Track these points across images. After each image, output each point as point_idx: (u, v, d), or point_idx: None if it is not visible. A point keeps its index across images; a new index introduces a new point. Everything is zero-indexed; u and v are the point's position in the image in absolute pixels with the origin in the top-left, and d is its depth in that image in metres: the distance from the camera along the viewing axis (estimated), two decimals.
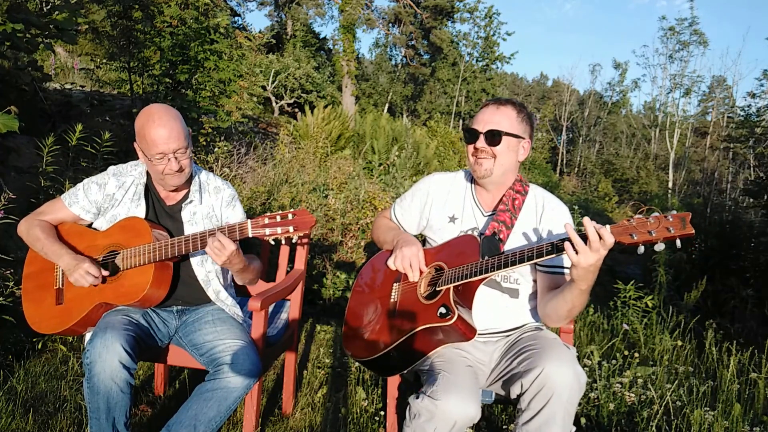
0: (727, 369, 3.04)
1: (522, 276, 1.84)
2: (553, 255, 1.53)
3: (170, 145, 1.83)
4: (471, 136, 1.81)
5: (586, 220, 1.47)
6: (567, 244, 1.48)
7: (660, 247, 1.41)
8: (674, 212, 1.40)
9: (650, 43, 46.30)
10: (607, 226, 1.46)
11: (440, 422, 1.51)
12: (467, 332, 1.67)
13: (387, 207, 2.18)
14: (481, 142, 1.79)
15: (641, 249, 1.43)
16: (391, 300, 1.83)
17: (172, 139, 1.83)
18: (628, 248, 1.44)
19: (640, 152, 27.68)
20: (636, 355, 3.21)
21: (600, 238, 1.44)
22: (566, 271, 1.77)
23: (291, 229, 1.74)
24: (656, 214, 1.41)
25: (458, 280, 1.67)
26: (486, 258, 1.66)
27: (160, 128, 1.81)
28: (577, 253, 1.46)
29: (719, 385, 2.93)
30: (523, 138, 1.83)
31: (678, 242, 1.40)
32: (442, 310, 1.65)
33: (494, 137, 1.77)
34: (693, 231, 1.37)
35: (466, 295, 1.70)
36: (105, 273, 1.87)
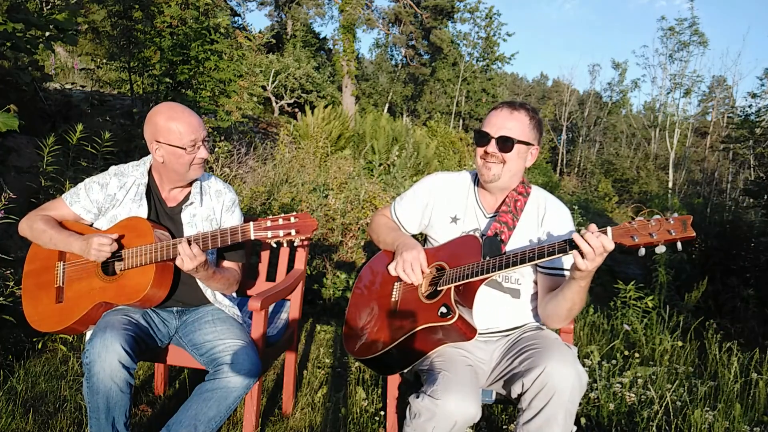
0: (727, 369, 3.04)
1: (523, 276, 1.84)
2: (554, 256, 1.54)
3: (200, 131, 1.91)
4: (482, 139, 1.79)
5: (593, 227, 1.50)
6: (575, 252, 1.50)
7: (661, 249, 1.42)
8: (675, 215, 1.41)
9: (650, 43, 46.28)
10: (609, 228, 1.47)
11: (441, 421, 1.51)
12: (468, 332, 1.67)
13: (386, 205, 2.17)
14: (492, 147, 1.77)
15: (642, 251, 1.44)
16: (392, 299, 1.83)
17: (201, 126, 1.92)
18: (629, 250, 1.45)
19: (640, 152, 27.68)
20: (636, 355, 3.21)
21: (600, 245, 1.46)
22: (566, 272, 1.78)
23: (293, 232, 1.73)
24: (657, 216, 1.42)
25: (459, 280, 1.68)
26: (487, 258, 1.66)
27: (189, 116, 1.89)
28: (583, 257, 1.49)
29: (720, 386, 2.93)
30: (533, 145, 1.83)
31: (679, 245, 1.41)
32: (443, 309, 1.65)
33: (506, 143, 1.76)
34: (694, 234, 1.38)
35: (467, 295, 1.71)
36: (114, 236, 1.87)
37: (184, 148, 1.87)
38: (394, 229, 1.99)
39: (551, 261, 1.70)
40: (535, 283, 1.86)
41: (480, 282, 1.69)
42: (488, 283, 1.77)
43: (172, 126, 1.86)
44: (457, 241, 1.83)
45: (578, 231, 1.52)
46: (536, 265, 1.78)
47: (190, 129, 1.87)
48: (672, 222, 1.40)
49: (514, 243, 1.81)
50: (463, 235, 1.84)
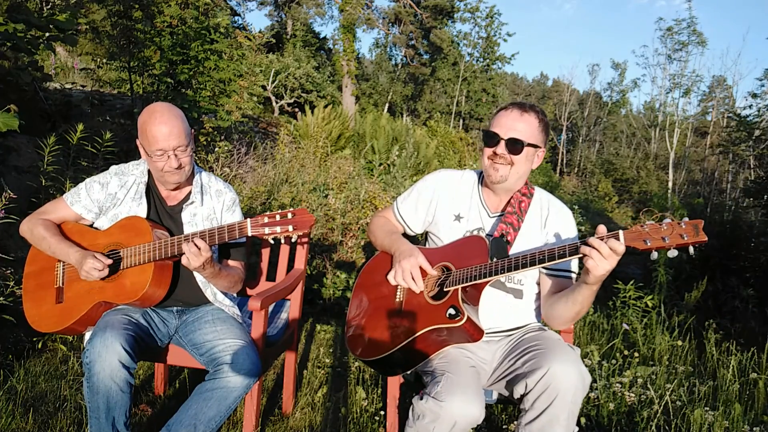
0: (727, 369, 3.04)
1: (526, 277, 1.84)
2: (564, 259, 1.54)
3: (170, 142, 1.84)
4: (491, 140, 1.78)
5: (601, 228, 1.49)
6: (587, 258, 1.48)
7: (673, 253, 1.41)
8: (686, 219, 1.40)
9: (650, 43, 46.19)
10: (621, 232, 1.46)
11: (444, 423, 1.50)
12: (475, 333, 1.67)
13: (387, 207, 2.16)
14: (501, 149, 1.77)
15: (654, 255, 1.43)
16: (397, 300, 1.83)
17: (173, 136, 1.84)
18: (641, 253, 1.44)
19: (640, 152, 27.65)
20: (636, 355, 3.21)
21: (611, 249, 1.45)
22: (573, 274, 1.78)
23: (290, 228, 1.74)
24: (668, 220, 1.41)
25: (467, 282, 1.67)
26: (495, 260, 1.66)
27: (161, 125, 1.83)
28: (593, 259, 1.47)
29: (719, 385, 2.93)
30: (541, 147, 1.82)
31: (691, 249, 1.40)
32: (452, 311, 1.64)
33: (515, 146, 1.75)
34: (706, 238, 1.37)
35: (473, 296, 1.71)
36: (108, 261, 1.86)
37: (150, 156, 1.87)
38: (391, 233, 1.97)
39: (558, 263, 1.68)
40: (538, 284, 1.86)
41: (486, 283, 1.69)
42: (491, 283, 1.77)
43: (145, 130, 1.85)
44: (463, 242, 1.82)
45: (579, 231, 1.52)
46: (544, 267, 1.77)
47: (158, 138, 1.83)
48: (684, 226, 1.39)
49: (520, 244, 1.81)
50: (469, 236, 1.83)
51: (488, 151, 1.80)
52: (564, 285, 1.76)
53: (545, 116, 1.84)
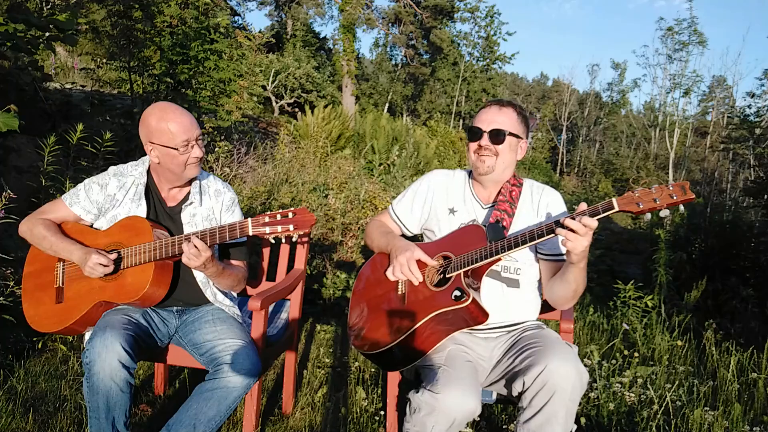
0: (727, 369, 3.04)
1: (523, 266, 1.86)
2: (551, 236, 1.61)
3: (193, 131, 1.89)
4: (474, 134, 1.87)
5: (582, 205, 1.58)
6: (562, 237, 1.57)
7: (665, 212, 1.50)
8: (673, 181, 1.49)
9: (650, 43, 46.15)
10: (614, 199, 1.54)
11: (440, 416, 1.51)
12: (480, 315, 1.68)
13: (386, 207, 2.19)
14: (485, 141, 1.85)
15: (648, 216, 1.52)
16: (399, 292, 1.83)
17: (193, 125, 1.89)
18: (637, 217, 1.51)
19: (640, 152, 27.65)
20: (636, 354, 3.21)
21: (584, 225, 1.54)
22: (565, 257, 1.81)
23: (291, 227, 1.74)
24: (657, 185, 1.51)
25: (468, 265, 1.70)
26: (493, 242, 1.69)
27: (180, 117, 1.87)
28: (571, 240, 1.56)
29: (719, 385, 2.94)
30: (522, 138, 1.90)
31: (681, 208, 1.51)
32: (457, 293, 1.66)
33: (498, 136, 1.84)
34: (693, 196, 1.47)
35: (475, 280, 1.75)
36: (113, 257, 1.86)
37: (177, 149, 1.87)
38: (386, 233, 2.00)
39: (552, 248, 1.79)
40: (535, 275, 1.89)
41: (487, 267, 1.73)
42: (488, 274, 1.79)
43: (163, 127, 1.85)
44: (460, 232, 1.85)
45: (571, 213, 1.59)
46: (538, 252, 1.85)
47: (182, 129, 1.86)
48: (672, 188, 1.49)
49: (515, 229, 1.85)
50: (466, 226, 1.87)
51: (473, 145, 1.88)
52: (560, 268, 1.80)
53: (523, 110, 1.94)
